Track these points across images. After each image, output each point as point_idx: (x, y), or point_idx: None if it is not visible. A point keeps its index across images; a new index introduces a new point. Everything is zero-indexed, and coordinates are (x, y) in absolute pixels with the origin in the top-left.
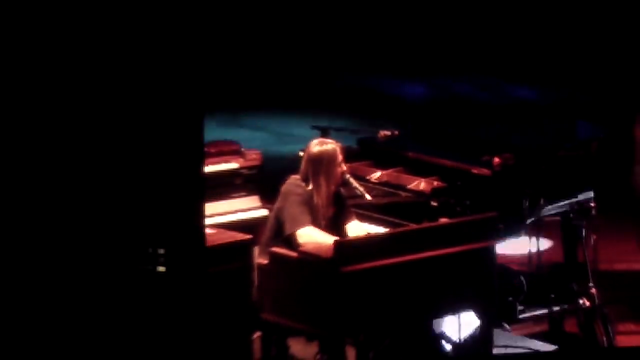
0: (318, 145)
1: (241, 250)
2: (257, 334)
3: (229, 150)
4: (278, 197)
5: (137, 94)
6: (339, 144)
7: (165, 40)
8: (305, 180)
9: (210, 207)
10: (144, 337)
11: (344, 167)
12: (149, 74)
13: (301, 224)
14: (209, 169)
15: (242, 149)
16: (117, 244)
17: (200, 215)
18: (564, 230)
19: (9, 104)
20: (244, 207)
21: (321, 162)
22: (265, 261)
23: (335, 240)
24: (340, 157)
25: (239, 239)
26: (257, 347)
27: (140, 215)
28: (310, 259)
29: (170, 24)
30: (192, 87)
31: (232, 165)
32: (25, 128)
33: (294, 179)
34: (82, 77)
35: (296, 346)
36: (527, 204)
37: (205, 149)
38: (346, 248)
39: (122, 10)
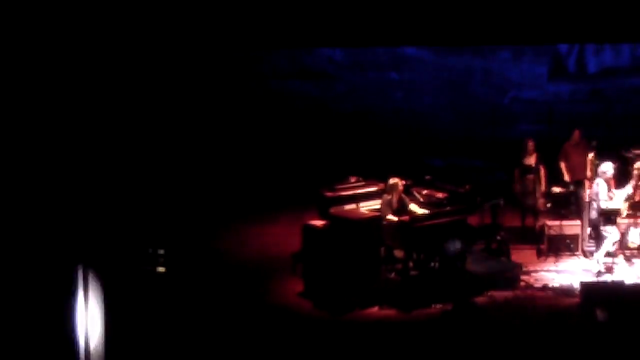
0: (391, 180)
1: (377, 219)
2: (382, 248)
3: (373, 183)
4: (381, 202)
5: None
6: (400, 179)
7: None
8: (389, 194)
9: (367, 203)
10: (143, 335)
11: (402, 188)
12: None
13: (388, 215)
14: (368, 189)
15: (379, 182)
16: (118, 244)
17: (200, 218)
18: (491, 211)
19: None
20: (378, 204)
21: (392, 188)
22: (385, 222)
23: (410, 215)
24: (400, 185)
25: (376, 214)
26: (381, 253)
27: (141, 217)
28: (401, 221)
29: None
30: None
31: (374, 188)
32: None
33: (385, 195)
34: (94, 87)
35: (397, 252)
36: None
37: (366, 183)
38: (414, 217)
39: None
